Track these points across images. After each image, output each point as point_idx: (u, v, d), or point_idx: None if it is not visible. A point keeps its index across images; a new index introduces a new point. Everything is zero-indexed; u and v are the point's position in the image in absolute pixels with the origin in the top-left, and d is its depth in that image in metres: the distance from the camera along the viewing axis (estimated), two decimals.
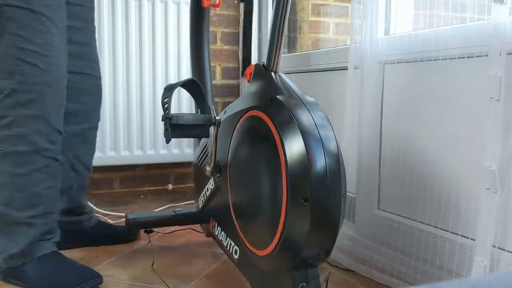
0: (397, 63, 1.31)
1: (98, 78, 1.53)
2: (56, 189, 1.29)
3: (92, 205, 1.91)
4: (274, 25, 1.13)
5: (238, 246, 1.19)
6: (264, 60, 1.15)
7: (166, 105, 1.27)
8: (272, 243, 1.00)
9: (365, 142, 1.40)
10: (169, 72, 2.05)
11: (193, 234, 1.64)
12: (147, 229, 1.52)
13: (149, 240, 1.55)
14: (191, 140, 2.09)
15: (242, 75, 1.33)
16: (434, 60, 1.19)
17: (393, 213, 1.35)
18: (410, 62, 1.25)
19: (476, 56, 1.07)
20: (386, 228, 1.34)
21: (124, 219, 1.55)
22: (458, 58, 1.11)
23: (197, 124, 1.27)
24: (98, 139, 2.03)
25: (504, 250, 1.02)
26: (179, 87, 1.38)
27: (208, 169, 1.26)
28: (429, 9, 1.24)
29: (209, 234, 1.45)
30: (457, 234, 1.11)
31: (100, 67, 1.54)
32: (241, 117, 1.15)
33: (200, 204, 1.47)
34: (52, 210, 1.27)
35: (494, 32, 0.98)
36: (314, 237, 0.93)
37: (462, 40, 1.09)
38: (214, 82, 2.23)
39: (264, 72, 1.15)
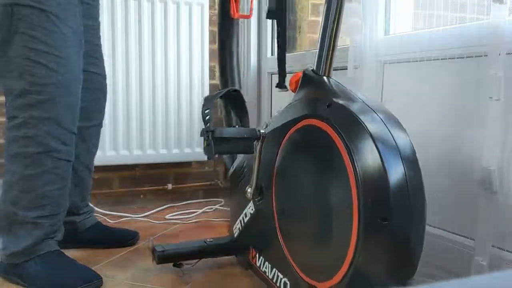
0: (397, 63, 1.31)
1: (102, 76, 1.51)
2: (65, 190, 1.28)
3: (92, 205, 1.91)
4: (325, 26, 1.05)
5: (288, 278, 1.03)
6: (314, 65, 1.05)
7: (207, 117, 1.15)
8: (338, 273, 0.84)
9: None
10: (168, 72, 2.05)
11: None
12: (177, 263, 1.35)
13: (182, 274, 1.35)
14: (191, 140, 2.09)
15: (278, 86, 1.25)
16: (433, 60, 1.19)
17: None
18: (409, 62, 1.25)
19: (475, 56, 1.07)
20: None
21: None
22: (457, 58, 1.11)
23: (242, 138, 1.13)
24: None
25: (503, 250, 1.02)
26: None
27: (249, 190, 1.13)
28: (428, 9, 1.24)
29: (248, 266, 1.27)
30: (457, 234, 1.11)
31: (104, 65, 1.53)
32: (290, 129, 1.02)
33: (236, 232, 1.31)
34: (59, 211, 1.27)
35: (493, 32, 0.98)
36: (394, 264, 0.78)
37: (461, 40, 1.09)
38: (213, 82, 2.23)
39: (316, 77, 1.04)
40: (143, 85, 2.02)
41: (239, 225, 1.28)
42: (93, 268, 1.28)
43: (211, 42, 2.16)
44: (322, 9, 1.07)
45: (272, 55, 2.17)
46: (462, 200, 1.11)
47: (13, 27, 1.17)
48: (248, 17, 1.42)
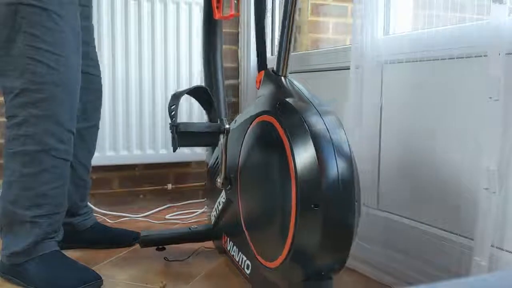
0: (396, 63, 1.31)
1: (98, 76, 1.52)
2: (64, 189, 1.28)
3: (91, 205, 1.91)
4: (282, 30, 1.12)
5: (249, 260, 1.13)
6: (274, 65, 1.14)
7: (173, 113, 1.24)
8: (282, 254, 0.94)
9: (364, 142, 1.40)
10: (168, 72, 2.05)
11: None
12: (160, 247, 1.45)
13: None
14: None
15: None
16: (433, 60, 1.19)
17: (392, 213, 1.35)
18: (409, 62, 1.25)
19: (475, 56, 1.07)
20: (385, 228, 1.34)
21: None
22: (457, 58, 1.11)
23: (205, 132, 1.24)
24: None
25: (502, 250, 1.02)
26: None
27: (219, 180, 1.22)
28: (428, 9, 1.24)
29: (222, 250, 1.38)
30: (456, 234, 1.11)
31: (100, 67, 1.54)
32: (250, 124, 1.12)
33: (213, 219, 1.42)
34: (58, 210, 1.27)
35: (493, 32, 0.98)
36: (327, 246, 0.88)
37: (461, 40, 1.09)
38: None
39: (274, 77, 1.13)
40: (143, 85, 2.02)
41: (215, 212, 1.38)
42: (93, 268, 1.28)
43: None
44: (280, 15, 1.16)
45: (272, 55, 2.17)
46: (462, 200, 1.11)
47: (16, 26, 1.18)
48: (228, 17, 1.45)
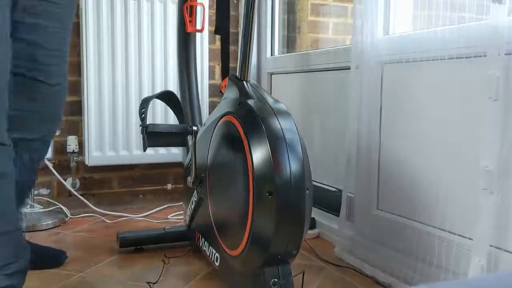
0: (396, 63, 1.32)
1: (49, 85, 1.24)
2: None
3: (92, 206, 1.91)
4: (243, 39, 1.23)
5: (218, 253, 1.21)
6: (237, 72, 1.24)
7: (143, 115, 1.35)
8: (242, 241, 1.04)
9: (364, 142, 1.40)
10: (168, 71, 2.05)
11: None
12: (138, 247, 1.50)
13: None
14: (190, 140, 2.09)
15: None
16: (432, 60, 1.19)
17: (392, 213, 1.35)
18: (409, 62, 1.25)
19: (474, 56, 1.07)
20: (385, 228, 1.34)
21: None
22: (456, 58, 1.11)
23: (173, 133, 1.34)
24: (97, 138, 2.03)
25: (501, 249, 1.02)
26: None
27: (189, 179, 1.30)
28: (428, 9, 1.24)
29: (197, 249, 1.42)
30: (455, 234, 1.11)
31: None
32: (216, 125, 1.20)
33: (187, 219, 1.47)
34: None
35: (492, 32, 0.98)
36: (281, 231, 0.98)
37: (461, 40, 1.09)
38: (213, 82, 2.23)
39: (236, 82, 1.23)
40: (143, 85, 2.02)
41: (189, 212, 1.44)
42: (93, 268, 1.27)
43: (211, 42, 2.16)
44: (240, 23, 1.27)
45: (271, 55, 2.18)
46: (461, 200, 1.11)
47: None
48: (200, 31, 1.59)
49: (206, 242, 1.31)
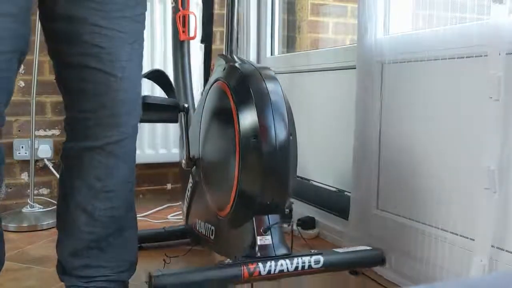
0: (396, 62, 1.31)
1: (106, 73, 1.03)
2: None
3: None
4: (227, 16, 1.29)
5: (213, 225, 1.23)
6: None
7: None
8: (232, 194, 1.07)
9: (364, 142, 1.40)
10: (167, 72, 2.04)
11: None
12: (138, 245, 1.50)
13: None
14: None
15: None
16: (433, 60, 1.18)
17: (392, 213, 1.35)
18: (409, 62, 1.25)
19: (475, 56, 1.07)
20: (385, 228, 1.34)
21: None
22: (457, 58, 1.11)
23: (165, 105, 1.33)
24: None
25: (503, 250, 1.02)
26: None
27: (183, 162, 1.30)
28: (428, 9, 1.24)
29: (195, 239, 1.41)
30: (456, 234, 1.11)
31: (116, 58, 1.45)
32: (206, 97, 1.24)
33: (185, 210, 1.48)
34: None
35: (493, 32, 0.98)
36: (268, 174, 1.02)
37: (461, 40, 1.09)
38: None
39: (223, 56, 1.27)
40: (142, 84, 2.01)
41: (186, 202, 1.45)
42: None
43: (212, 42, 2.15)
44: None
45: (271, 55, 2.18)
46: (462, 200, 1.11)
47: None
48: (193, 38, 1.66)
49: (202, 223, 1.31)
